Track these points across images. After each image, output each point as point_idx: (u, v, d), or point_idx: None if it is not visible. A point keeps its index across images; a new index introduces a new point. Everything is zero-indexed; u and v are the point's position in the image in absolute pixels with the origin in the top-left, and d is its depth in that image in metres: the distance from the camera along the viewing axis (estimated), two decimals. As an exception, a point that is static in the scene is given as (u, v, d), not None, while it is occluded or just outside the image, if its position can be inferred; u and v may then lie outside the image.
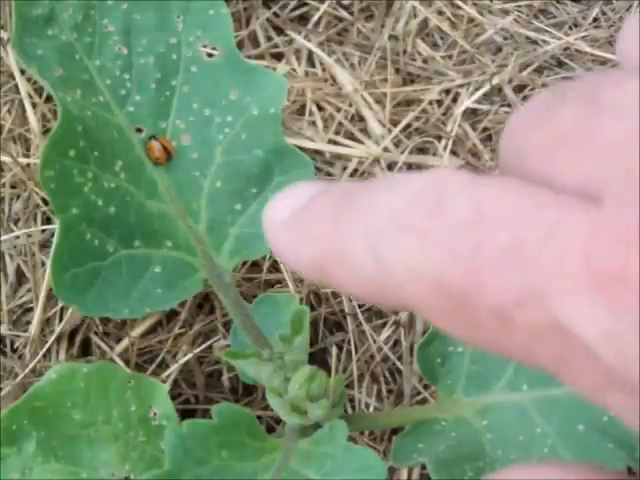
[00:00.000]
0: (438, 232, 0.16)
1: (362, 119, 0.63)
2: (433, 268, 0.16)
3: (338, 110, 0.63)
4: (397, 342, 0.57)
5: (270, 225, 0.19)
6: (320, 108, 0.64)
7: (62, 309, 0.56)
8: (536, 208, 0.15)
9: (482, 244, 0.15)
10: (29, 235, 0.57)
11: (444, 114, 0.64)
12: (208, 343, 0.56)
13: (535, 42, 0.67)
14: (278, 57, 0.66)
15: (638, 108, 0.15)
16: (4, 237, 0.57)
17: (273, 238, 0.19)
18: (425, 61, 0.66)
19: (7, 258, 0.57)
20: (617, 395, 0.15)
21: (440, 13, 0.68)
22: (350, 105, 0.64)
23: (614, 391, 0.15)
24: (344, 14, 0.67)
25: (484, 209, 0.16)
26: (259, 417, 0.52)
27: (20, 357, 0.55)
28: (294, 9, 0.67)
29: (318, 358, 0.56)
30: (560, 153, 0.16)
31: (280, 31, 0.67)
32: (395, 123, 0.63)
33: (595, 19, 0.69)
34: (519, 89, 0.65)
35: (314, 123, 0.63)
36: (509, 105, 0.65)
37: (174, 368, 0.55)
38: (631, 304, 0.14)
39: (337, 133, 0.63)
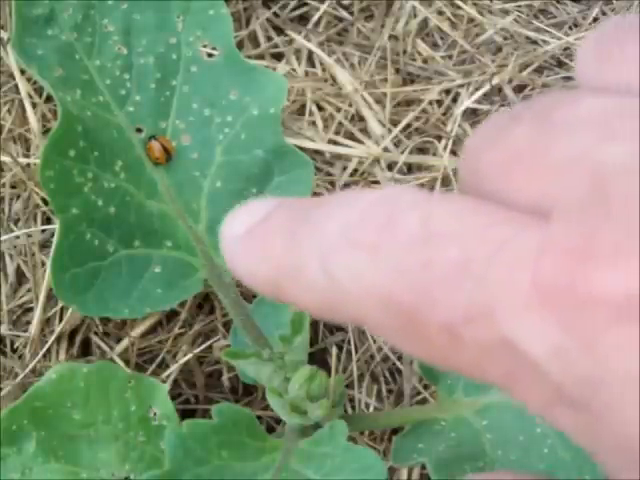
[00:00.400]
0: (388, 248, 0.16)
1: (362, 119, 0.63)
2: (383, 284, 0.16)
3: (338, 110, 0.63)
4: (397, 342, 0.57)
5: (226, 241, 0.19)
6: (320, 108, 0.64)
7: (62, 309, 0.56)
8: (486, 225, 0.15)
9: (432, 261, 0.15)
10: (29, 235, 0.57)
11: (444, 114, 0.64)
12: (208, 343, 0.56)
13: (535, 42, 0.67)
14: (278, 57, 0.66)
15: (591, 125, 0.15)
16: (4, 237, 0.57)
17: (228, 254, 0.19)
18: (425, 61, 0.66)
19: (7, 258, 0.57)
20: (566, 412, 0.15)
21: (440, 13, 0.68)
22: (350, 105, 0.64)
23: (563, 408, 0.15)
24: (344, 14, 0.67)
25: (434, 226, 0.15)
26: (259, 417, 0.52)
27: (20, 357, 0.55)
28: (294, 9, 0.67)
29: (318, 358, 0.56)
30: (514, 172, 0.16)
31: (280, 31, 0.67)
32: (395, 123, 0.63)
33: (595, 19, 0.69)
34: (519, 89, 0.65)
35: (314, 123, 0.63)
36: (509, 105, 0.65)
37: (174, 368, 0.55)
38: (578, 321, 0.14)
39: (337, 133, 0.63)
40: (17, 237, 0.58)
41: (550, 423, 0.16)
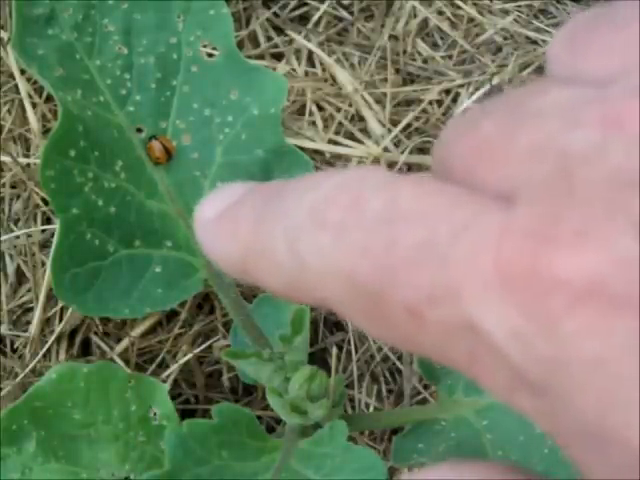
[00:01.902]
0: (353, 228, 0.16)
1: (362, 119, 0.63)
2: (347, 264, 0.16)
3: (338, 110, 0.63)
4: (397, 342, 0.57)
5: (198, 223, 0.20)
6: (320, 108, 0.64)
7: (62, 309, 0.56)
8: (451, 206, 0.15)
9: (395, 241, 0.15)
10: (29, 235, 0.57)
11: (444, 114, 0.64)
12: (208, 343, 0.56)
13: (535, 42, 0.67)
14: (278, 57, 0.66)
15: (558, 113, 0.15)
16: (4, 237, 0.57)
17: (201, 236, 0.20)
18: (425, 61, 0.66)
19: (7, 258, 0.57)
20: (526, 397, 0.15)
21: (440, 13, 0.68)
22: (350, 105, 0.64)
23: (523, 392, 0.15)
24: (344, 14, 0.67)
25: (399, 206, 0.16)
26: (259, 417, 0.52)
27: (20, 357, 0.55)
28: (294, 9, 0.67)
29: (318, 358, 0.56)
30: (480, 161, 0.16)
31: (280, 31, 0.67)
32: (395, 123, 0.63)
33: (595, 19, 0.69)
34: (519, 89, 0.65)
35: (314, 123, 0.63)
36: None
37: (174, 368, 0.55)
38: (538, 304, 0.14)
39: (337, 133, 0.63)
40: (17, 237, 0.58)
41: (512, 407, 0.16)
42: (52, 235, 0.56)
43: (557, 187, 0.14)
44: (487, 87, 0.64)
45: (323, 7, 0.67)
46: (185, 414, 0.54)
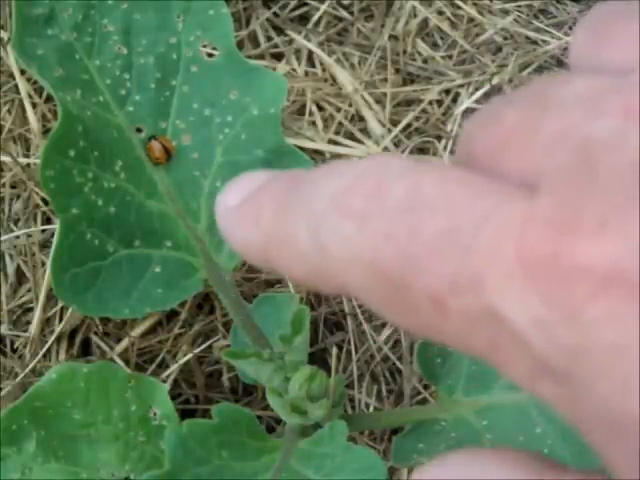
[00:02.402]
0: (376, 216, 0.16)
1: (362, 119, 0.63)
2: (370, 251, 0.16)
3: (338, 110, 0.63)
4: (397, 342, 0.57)
5: (221, 211, 0.19)
6: (320, 108, 0.64)
7: (62, 309, 0.56)
8: (474, 195, 0.15)
9: (419, 228, 0.15)
10: (29, 235, 0.57)
11: (444, 114, 0.64)
12: (208, 343, 0.56)
13: (535, 42, 0.67)
14: (278, 57, 0.66)
15: (580, 103, 0.15)
16: (4, 237, 0.57)
17: (222, 223, 0.19)
18: (425, 61, 0.66)
19: (7, 258, 0.57)
20: (548, 384, 0.15)
21: (440, 13, 0.68)
22: (350, 105, 0.64)
23: (545, 380, 0.15)
24: (344, 14, 0.67)
25: (422, 194, 0.16)
26: (259, 417, 0.52)
27: (20, 357, 0.55)
28: (294, 9, 0.67)
29: (318, 358, 0.56)
30: (504, 151, 0.16)
31: (280, 31, 0.67)
32: (395, 123, 0.63)
33: (595, 19, 0.69)
34: (519, 89, 0.65)
35: (314, 123, 0.63)
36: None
37: (174, 368, 0.55)
38: (560, 292, 0.14)
39: (337, 133, 0.63)
40: (17, 237, 0.58)
41: (534, 395, 0.16)
42: (52, 235, 0.56)
43: (579, 175, 0.14)
44: (487, 87, 0.64)
45: (323, 7, 0.67)
46: (185, 414, 0.54)
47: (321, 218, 0.17)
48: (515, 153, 0.16)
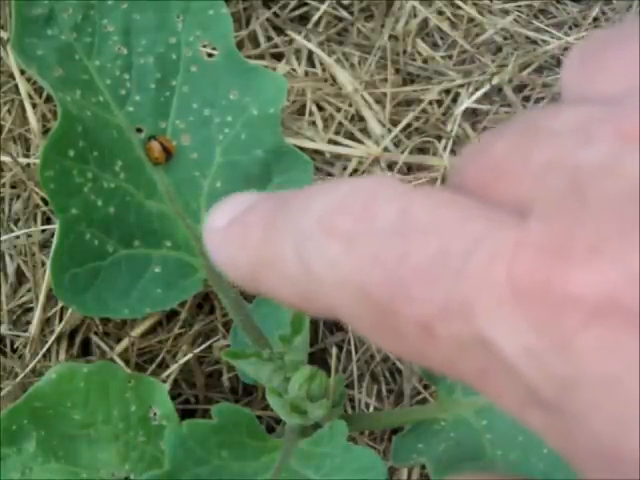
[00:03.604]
0: (364, 238, 0.16)
1: (362, 119, 0.63)
2: (358, 275, 0.16)
3: (338, 110, 0.63)
4: (397, 342, 0.57)
5: (208, 233, 0.19)
6: (320, 108, 0.64)
7: (62, 309, 0.56)
8: (464, 218, 0.15)
9: (408, 253, 0.15)
10: (29, 235, 0.57)
11: (444, 114, 0.64)
12: (208, 343, 0.56)
13: (535, 42, 0.67)
14: (278, 57, 0.66)
15: (570, 132, 0.15)
16: (4, 237, 0.57)
17: (210, 244, 0.19)
18: (425, 61, 0.66)
19: (7, 258, 0.57)
20: (538, 414, 0.15)
21: (440, 13, 0.68)
22: (350, 105, 0.64)
23: (535, 409, 0.15)
24: (344, 14, 0.67)
25: (412, 217, 0.15)
26: (259, 417, 0.52)
27: (20, 357, 0.55)
28: (294, 9, 0.67)
29: (318, 358, 0.56)
30: (495, 181, 0.16)
31: (280, 31, 0.67)
32: (395, 123, 0.63)
33: (595, 19, 0.69)
34: (519, 89, 0.65)
35: (314, 123, 0.63)
36: (509, 105, 0.65)
37: (174, 368, 0.55)
38: (551, 321, 0.14)
39: (337, 133, 0.63)
40: (17, 237, 0.58)
41: (523, 423, 0.15)
42: (52, 235, 0.56)
43: (571, 202, 0.14)
44: (487, 87, 0.64)
45: (323, 7, 0.67)
46: (185, 414, 0.54)
47: (307, 239, 0.16)
48: (506, 182, 0.16)
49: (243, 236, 0.18)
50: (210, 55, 0.52)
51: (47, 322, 0.56)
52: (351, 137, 0.63)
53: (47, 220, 0.59)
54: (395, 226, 0.15)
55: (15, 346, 0.56)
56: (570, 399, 0.14)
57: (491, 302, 0.14)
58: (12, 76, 0.61)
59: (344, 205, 0.16)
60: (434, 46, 0.67)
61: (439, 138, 0.63)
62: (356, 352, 0.57)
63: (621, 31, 0.17)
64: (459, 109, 0.63)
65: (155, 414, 0.47)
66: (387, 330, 0.16)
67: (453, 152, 0.62)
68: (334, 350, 0.48)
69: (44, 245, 0.58)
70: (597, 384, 0.13)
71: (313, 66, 0.65)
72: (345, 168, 0.61)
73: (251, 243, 0.18)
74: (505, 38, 0.67)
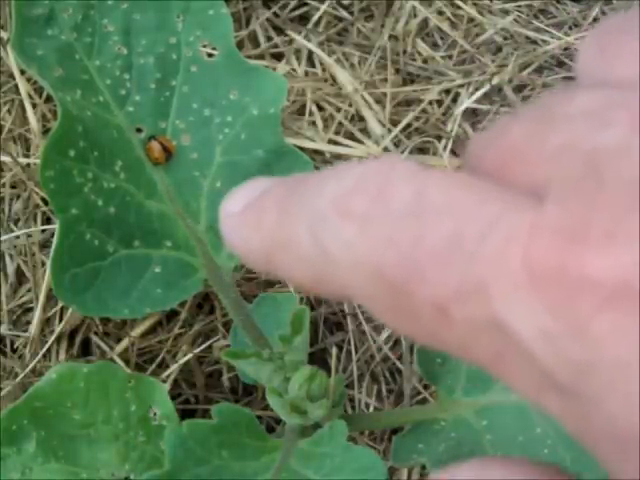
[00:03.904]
0: (379, 219, 0.16)
1: (362, 119, 0.63)
2: (373, 256, 0.16)
3: (338, 110, 0.63)
4: (397, 342, 0.57)
5: (223, 216, 0.19)
6: (320, 108, 0.64)
7: (62, 309, 0.56)
8: (479, 201, 0.15)
9: (423, 234, 0.15)
10: (29, 235, 0.57)
11: (444, 114, 0.64)
12: (208, 343, 0.56)
13: (535, 42, 0.67)
14: (278, 57, 0.66)
15: (587, 116, 0.15)
16: (4, 237, 0.57)
17: (225, 229, 0.19)
18: (425, 61, 0.66)
19: (7, 258, 0.57)
20: (554, 397, 0.15)
21: (440, 13, 0.68)
22: (350, 105, 0.64)
23: (551, 393, 0.15)
24: (344, 14, 0.67)
25: (427, 199, 0.15)
26: (259, 417, 0.52)
27: (20, 357, 0.55)
28: (294, 9, 0.67)
29: (318, 358, 0.56)
30: (511, 163, 0.16)
31: (280, 31, 0.67)
32: (395, 123, 0.63)
33: (595, 19, 0.69)
34: (519, 89, 0.65)
35: (314, 123, 0.63)
36: (509, 105, 0.65)
37: (174, 368, 0.55)
38: (568, 304, 0.14)
39: (337, 133, 0.63)
40: (17, 237, 0.58)
41: (538, 408, 0.15)
42: (52, 235, 0.56)
43: (587, 184, 0.14)
44: (487, 87, 0.64)
45: (323, 7, 0.67)
46: (185, 414, 0.54)
47: (322, 221, 0.16)
48: (522, 165, 0.16)
49: (258, 219, 0.18)
50: (210, 55, 0.52)
51: (47, 322, 0.56)
52: (351, 137, 0.63)
53: (47, 220, 0.59)
54: (410, 207, 0.15)
55: (15, 346, 0.56)
56: (586, 383, 0.14)
57: (506, 285, 0.14)
58: (12, 76, 0.61)
59: (358, 186, 0.16)
60: (434, 46, 0.67)
61: (439, 138, 0.63)
62: (356, 352, 0.57)
63: (636, 16, 0.17)
64: (459, 109, 0.63)
65: (155, 414, 0.47)
66: (402, 312, 0.16)
67: (453, 152, 0.62)
68: (334, 350, 0.48)
69: (44, 245, 0.58)
70: (612, 368, 0.13)
71: (313, 66, 0.65)
72: (345, 168, 0.61)
73: (266, 226, 0.18)
74: (505, 38, 0.67)
